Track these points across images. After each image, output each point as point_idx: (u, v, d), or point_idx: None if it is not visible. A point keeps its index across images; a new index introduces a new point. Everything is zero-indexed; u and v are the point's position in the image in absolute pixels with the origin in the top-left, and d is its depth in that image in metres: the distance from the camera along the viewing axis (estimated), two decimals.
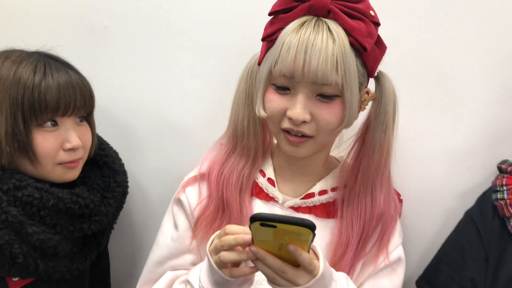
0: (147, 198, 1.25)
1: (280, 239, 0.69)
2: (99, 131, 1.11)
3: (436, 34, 1.04)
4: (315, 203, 0.93)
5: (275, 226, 0.67)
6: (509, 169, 1.01)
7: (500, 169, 1.03)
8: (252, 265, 0.74)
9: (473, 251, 0.99)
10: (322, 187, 0.94)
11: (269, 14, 0.84)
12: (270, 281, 0.73)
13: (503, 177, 1.00)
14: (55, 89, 0.89)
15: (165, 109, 1.20)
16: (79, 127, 0.96)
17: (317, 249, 0.76)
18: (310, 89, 0.80)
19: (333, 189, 0.94)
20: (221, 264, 0.75)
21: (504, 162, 1.03)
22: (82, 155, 0.97)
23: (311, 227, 0.66)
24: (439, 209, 1.12)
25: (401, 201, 0.99)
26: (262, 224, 0.67)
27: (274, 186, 0.94)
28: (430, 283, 1.05)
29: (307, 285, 0.71)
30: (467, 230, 1.02)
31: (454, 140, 1.09)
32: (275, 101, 0.83)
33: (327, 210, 0.93)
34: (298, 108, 0.80)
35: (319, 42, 0.76)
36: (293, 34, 0.78)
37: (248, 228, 0.72)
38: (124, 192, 1.09)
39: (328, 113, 0.81)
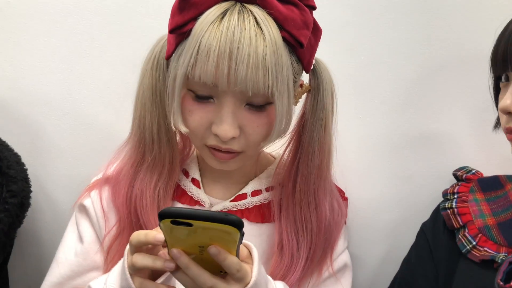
0: (57, 210, 1.06)
1: (199, 240, 0.57)
2: None
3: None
4: (247, 206, 0.82)
5: (191, 225, 0.55)
6: (464, 176, 0.92)
7: (455, 176, 0.94)
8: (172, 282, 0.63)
9: (423, 267, 0.89)
10: (256, 187, 0.83)
11: None
12: None
13: (457, 184, 0.92)
14: None
15: (79, 103, 1.03)
16: None
17: (253, 251, 0.65)
18: (237, 98, 0.67)
19: (268, 189, 0.83)
20: (133, 269, 0.63)
21: (460, 169, 0.94)
22: None
23: (237, 224, 0.55)
24: (390, 223, 1.03)
25: (345, 199, 0.90)
26: (173, 222, 0.55)
27: (200, 188, 0.82)
28: None
29: None
30: (419, 245, 0.92)
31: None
32: (196, 113, 0.69)
33: (261, 213, 0.82)
34: (226, 124, 0.67)
35: (246, 44, 0.61)
36: (212, 30, 0.62)
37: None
38: (22, 204, 0.91)
39: (260, 125, 0.70)
